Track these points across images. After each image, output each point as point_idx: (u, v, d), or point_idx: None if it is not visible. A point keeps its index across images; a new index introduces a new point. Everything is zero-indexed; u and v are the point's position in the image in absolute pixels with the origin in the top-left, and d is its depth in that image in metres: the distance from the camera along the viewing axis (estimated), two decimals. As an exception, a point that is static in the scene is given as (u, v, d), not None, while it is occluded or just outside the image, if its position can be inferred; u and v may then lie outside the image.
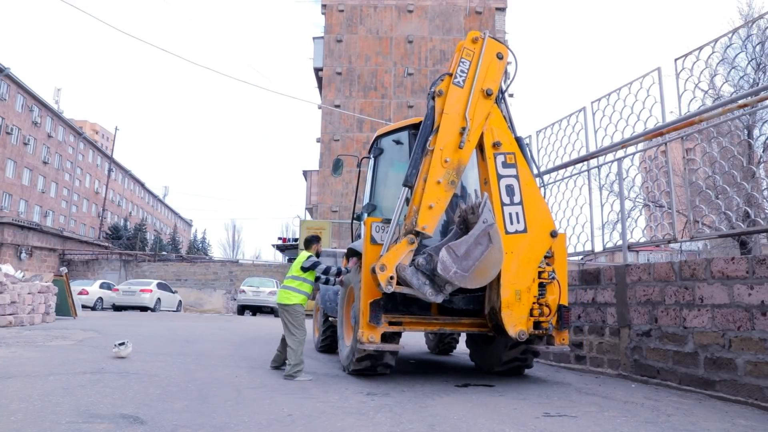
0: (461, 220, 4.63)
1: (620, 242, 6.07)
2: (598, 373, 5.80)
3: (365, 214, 5.97)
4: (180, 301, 22.80)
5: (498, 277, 4.59)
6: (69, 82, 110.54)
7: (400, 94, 29.79)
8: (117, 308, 19.90)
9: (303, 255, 5.40)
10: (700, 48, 5.30)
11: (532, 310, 4.71)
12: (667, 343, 4.98)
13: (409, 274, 4.43)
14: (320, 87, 31.03)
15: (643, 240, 6.73)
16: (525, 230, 4.85)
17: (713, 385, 4.46)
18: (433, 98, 5.00)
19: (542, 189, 5.42)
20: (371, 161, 6.29)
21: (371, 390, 4.41)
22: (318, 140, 29.61)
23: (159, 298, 20.47)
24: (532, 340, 5.01)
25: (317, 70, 30.64)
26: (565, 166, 7.09)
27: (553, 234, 4.97)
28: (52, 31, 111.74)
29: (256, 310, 21.71)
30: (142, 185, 65.95)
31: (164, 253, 41.27)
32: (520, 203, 4.90)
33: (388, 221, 4.94)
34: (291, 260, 32.73)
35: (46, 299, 11.00)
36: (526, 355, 5.38)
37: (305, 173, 33.23)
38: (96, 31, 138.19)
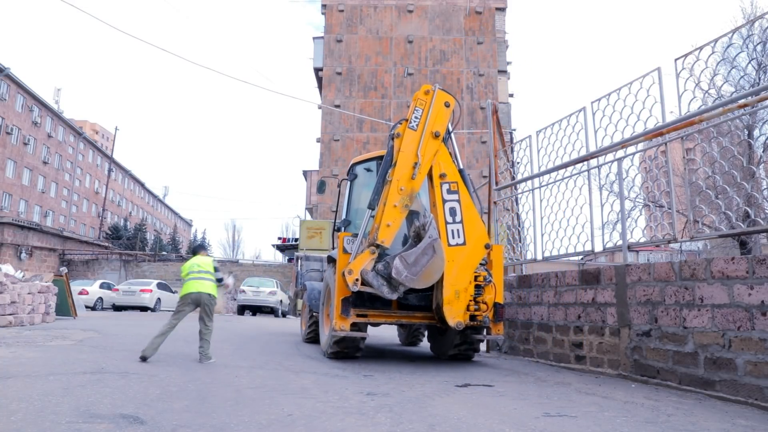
0: (415, 235, 5.71)
1: (620, 242, 6.06)
2: (598, 373, 5.80)
3: (342, 228, 6.96)
4: (180, 300, 22.79)
5: (441, 280, 5.69)
6: (69, 82, 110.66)
7: (400, 94, 29.75)
8: (117, 308, 19.91)
9: (205, 259, 6.36)
10: (701, 48, 5.30)
11: (468, 306, 5.81)
12: (667, 343, 4.98)
13: (370, 277, 5.53)
14: (320, 87, 31.01)
15: (643, 240, 6.72)
16: (464, 243, 5.94)
17: (713, 385, 4.45)
18: (392, 139, 6.16)
19: (479, 208, 6.52)
20: (348, 183, 7.45)
21: (371, 390, 4.41)
22: (318, 140, 29.58)
23: (159, 298, 20.48)
24: (477, 331, 6.34)
25: (317, 70, 30.62)
26: (565, 166, 7.08)
27: (487, 246, 6.11)
28: (52, 31, 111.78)
29: (256, 310, 21.72)
30: (142, 185, 65.95)
31: (164, 253, 41.31)
32: (461, 222, 6.01)
33: (356, 235, 5.97)
34: (291, 260, 32.78)
35: (46, 299, 11.01)
36: (471, 343, 6.61)
37: (305, 173, 33.26)
38: (96, 31, 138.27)
